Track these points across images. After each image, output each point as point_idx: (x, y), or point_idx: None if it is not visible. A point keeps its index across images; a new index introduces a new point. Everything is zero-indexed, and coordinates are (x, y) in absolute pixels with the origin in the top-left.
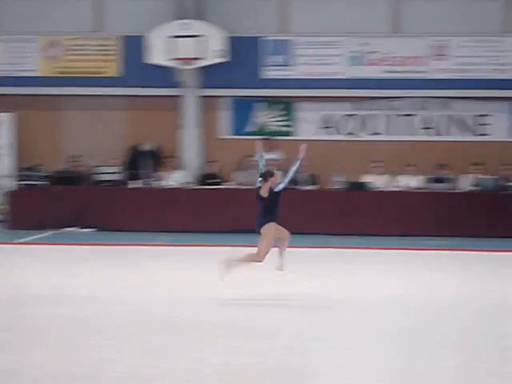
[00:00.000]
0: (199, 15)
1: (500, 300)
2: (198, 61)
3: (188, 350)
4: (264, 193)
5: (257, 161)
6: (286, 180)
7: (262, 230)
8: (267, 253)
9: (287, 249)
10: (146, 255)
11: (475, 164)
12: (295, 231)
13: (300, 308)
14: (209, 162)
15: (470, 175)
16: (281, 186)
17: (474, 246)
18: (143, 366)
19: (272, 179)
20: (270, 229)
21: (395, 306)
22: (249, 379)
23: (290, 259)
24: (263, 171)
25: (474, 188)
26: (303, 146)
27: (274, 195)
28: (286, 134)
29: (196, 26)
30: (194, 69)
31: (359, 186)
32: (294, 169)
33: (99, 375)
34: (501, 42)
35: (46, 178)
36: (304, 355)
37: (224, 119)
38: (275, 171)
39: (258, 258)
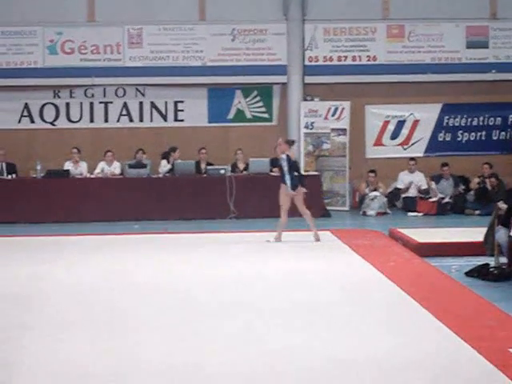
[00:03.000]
0: None
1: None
2: None
3: None
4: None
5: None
6: None
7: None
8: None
9: None
10: None
11: (172, 149)
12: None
13: None
14: None
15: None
16: None
17: (185, 228)
18: None
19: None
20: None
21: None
22: None
23: None
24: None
25: (171, 172)
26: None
27: None
28: None
29: None
30: None
31: (59, 174)
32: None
33: None
34: (194, 30)
35: None
36: (3, 344)
37: None
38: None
39: None
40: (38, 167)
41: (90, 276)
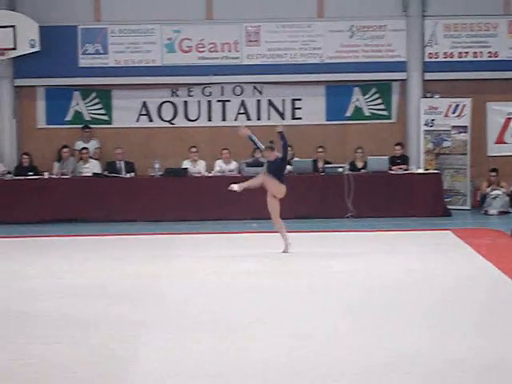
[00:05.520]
0: (10, 5)
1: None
2: (10, 51)
3: (3, 341)
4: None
5: (253, 141)
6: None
7: None
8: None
9: None
10: None
11: (289, 146)
12: (117, 219)
13: (118, 294)
14: (24, 153)
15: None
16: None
17: (302, 227)
18: None
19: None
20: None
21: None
22: (67, 367)
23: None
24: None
25: (288, 170)
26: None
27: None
28: (103, 122)
29: (6, 16)
30: (7, 59)
31: (178, 173)
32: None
33: None
34: (312, 27)
35: None
36: (125, 341)
37: (40, 109)
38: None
39: None
40: (157, 166)
41: (206, 274)
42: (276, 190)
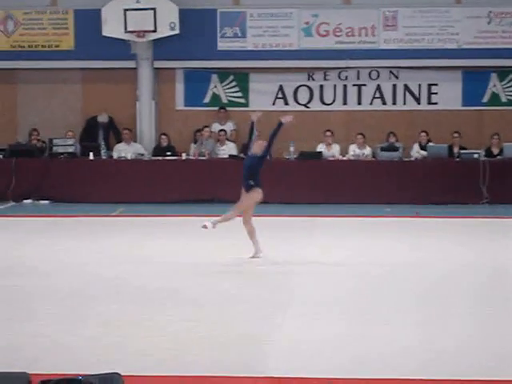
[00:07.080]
0: None
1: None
2: (151, 33)
3: (141, 319)
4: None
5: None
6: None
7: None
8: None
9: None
10: (104, 226)
11: (424, 132)
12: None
13: (252, 275)
14: (163, 134)
15: (420, 143)
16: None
17: (436, 213)
18: (102, 334)
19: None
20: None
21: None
22: (204, 345)
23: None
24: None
25: (423, 156)
26: (288, 117)
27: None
28: (240, 104)
29: None
30: (148, 41)
31: (312, 156)
32: (272, 133)
33: (51, 344)
34: (450, 12)
35: (1, 151)
36: (259, 321)
37: (179, 91)
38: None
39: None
40: (292, 149)
41: (341, 258)
42: (254, 199)
